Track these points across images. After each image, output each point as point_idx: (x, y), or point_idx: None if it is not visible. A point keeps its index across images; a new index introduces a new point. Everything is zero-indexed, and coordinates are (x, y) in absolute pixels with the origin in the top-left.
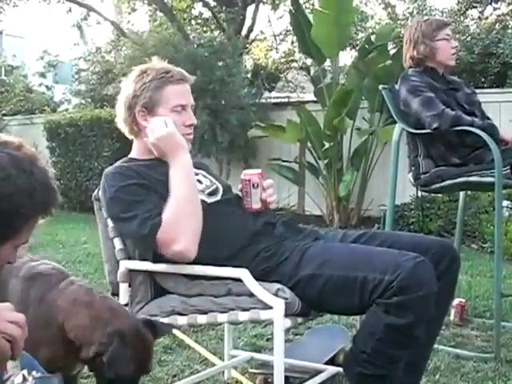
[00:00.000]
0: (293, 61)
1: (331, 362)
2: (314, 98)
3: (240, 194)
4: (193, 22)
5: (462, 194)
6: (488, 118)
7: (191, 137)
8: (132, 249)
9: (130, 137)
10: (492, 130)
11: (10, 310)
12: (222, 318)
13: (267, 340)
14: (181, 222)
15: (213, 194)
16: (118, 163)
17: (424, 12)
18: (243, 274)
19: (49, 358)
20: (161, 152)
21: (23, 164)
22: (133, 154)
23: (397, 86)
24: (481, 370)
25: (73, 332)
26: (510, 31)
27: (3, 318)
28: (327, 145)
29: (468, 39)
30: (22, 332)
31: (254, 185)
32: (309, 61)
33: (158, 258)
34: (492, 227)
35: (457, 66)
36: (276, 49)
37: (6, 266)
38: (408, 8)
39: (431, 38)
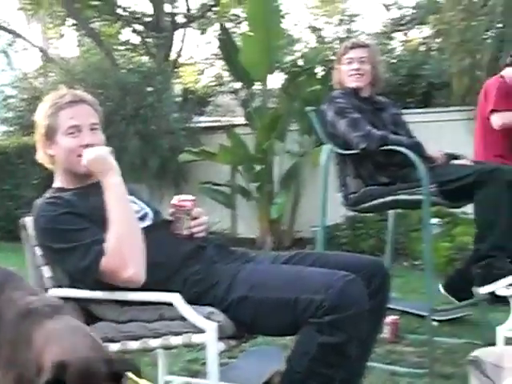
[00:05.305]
0: (222, 85)
1: None
2: (245, 122)
3: (170, 218)
4: (121, 47)
5: (391, 212)
6: (413, 137)
7: None
8: (61, 276)
9: (50, 167)
10: (418, 149)
11: None
12: (154, 343)
13: (202, 364)
14: (125, 247)
15: (142, 219)
16: (47, 194)
17: (352, 34)
18: (174, 298)
19: None
20: (95, 175)
21: None
22: (58, 184)
23: (323, 107)
24: None
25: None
26: (433, 53)
27: None
28: (258, 168)
29: (394, 61)
30: None
31: (186, 211)
32: (238, 84)
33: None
34: (422, 245)
35: (385, 87)
36: (202, 72)
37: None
38: (337, 32)
39: (338, 62)
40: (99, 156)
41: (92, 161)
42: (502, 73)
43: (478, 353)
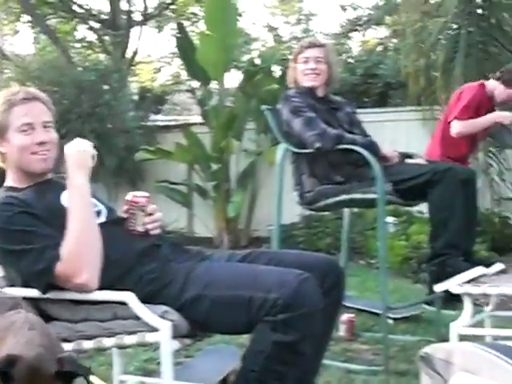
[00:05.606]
0: (179, 83)
1: (223, 383)
2: (202, 120)
3: (124, 215)
4: (77, 45)
5: (346, 211)
6: (368, 136)
7: (45, 156)
8: (14, 276)
9: (0, 165)
10: (373, 148)
11: None
12: (108, 342)
13: (158, 363)
14: (82, 251)
15: (96, 215)
16: (0, 193)
17: (309, 34)
18: (128, 297)
19: None
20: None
21: None
22: (10, 183)
23: (279, 106)
24: (371, 383)
25: None
26: (390, 53)
27: None
28: (215, 166)
29: (351, 61)
30: None
31: (140, 207)
32: (195, 83)
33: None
34: (378, 243)
35: (342, 87)
36: (159, 71)
37: None
38: (294, 31)
39: (294, 61)
40: (85, 152)
41: (75, 152)
42: (487, 82)
43: (428, 349)
